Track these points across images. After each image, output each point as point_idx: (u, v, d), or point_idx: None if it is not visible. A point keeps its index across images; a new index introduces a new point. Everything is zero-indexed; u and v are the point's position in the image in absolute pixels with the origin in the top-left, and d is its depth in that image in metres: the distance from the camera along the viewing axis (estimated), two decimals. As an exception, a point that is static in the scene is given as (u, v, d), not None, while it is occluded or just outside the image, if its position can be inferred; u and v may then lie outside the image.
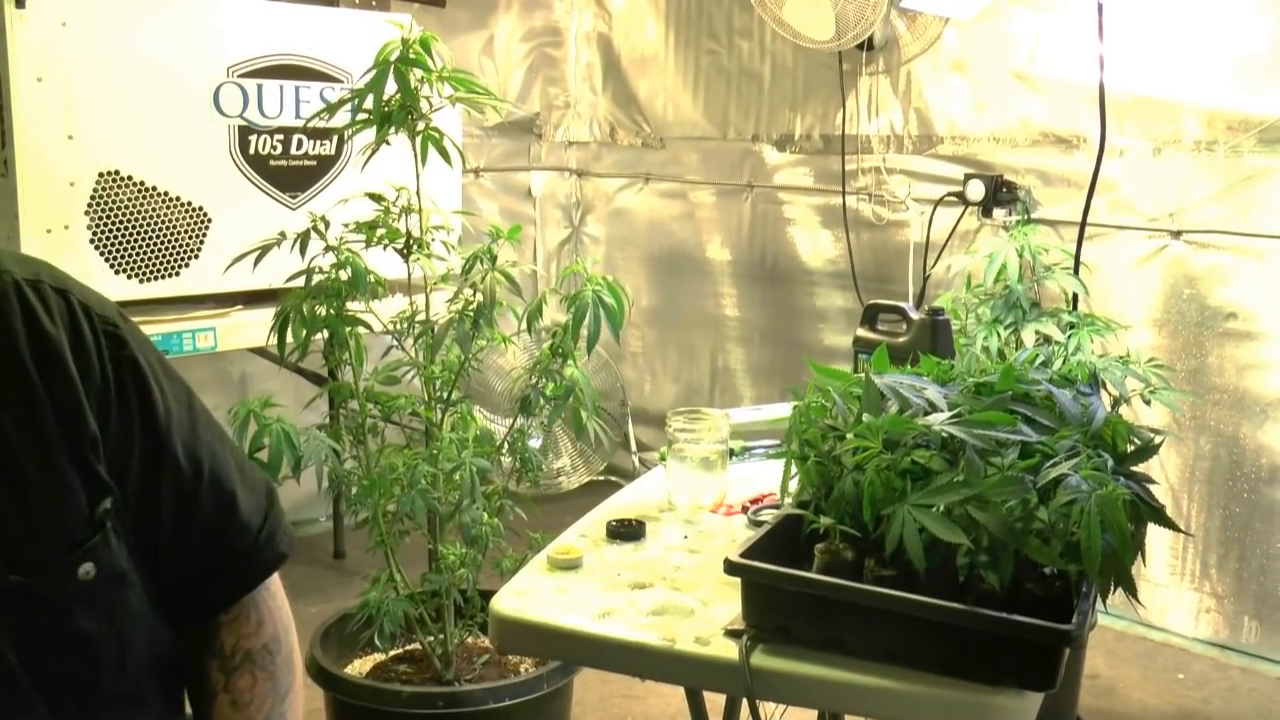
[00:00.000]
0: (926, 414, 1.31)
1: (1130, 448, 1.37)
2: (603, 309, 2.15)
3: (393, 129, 2.19)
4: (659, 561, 1.57)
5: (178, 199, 2.84)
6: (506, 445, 2.37)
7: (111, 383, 0.98)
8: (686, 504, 1.78)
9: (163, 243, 2.83)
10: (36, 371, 0.93)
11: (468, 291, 2.21)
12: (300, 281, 2.20)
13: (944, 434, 1.26)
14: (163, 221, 2.82)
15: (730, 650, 1.29)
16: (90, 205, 2.70)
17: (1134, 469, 1.32)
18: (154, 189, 2.80)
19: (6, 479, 0.90)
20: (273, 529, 1.13)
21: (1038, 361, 1.61)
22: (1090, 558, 1.14)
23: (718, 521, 1.73)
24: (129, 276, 2.78)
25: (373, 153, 2.19)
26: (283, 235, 2.21)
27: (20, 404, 0.92)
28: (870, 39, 3.54)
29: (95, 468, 0.96)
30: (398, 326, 2.28)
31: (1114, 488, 1.17)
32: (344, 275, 2.17)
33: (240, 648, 1.12)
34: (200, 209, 2.88)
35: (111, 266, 2.74)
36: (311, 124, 2.79)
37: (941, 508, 1.20)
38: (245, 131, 2.95)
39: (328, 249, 2.20)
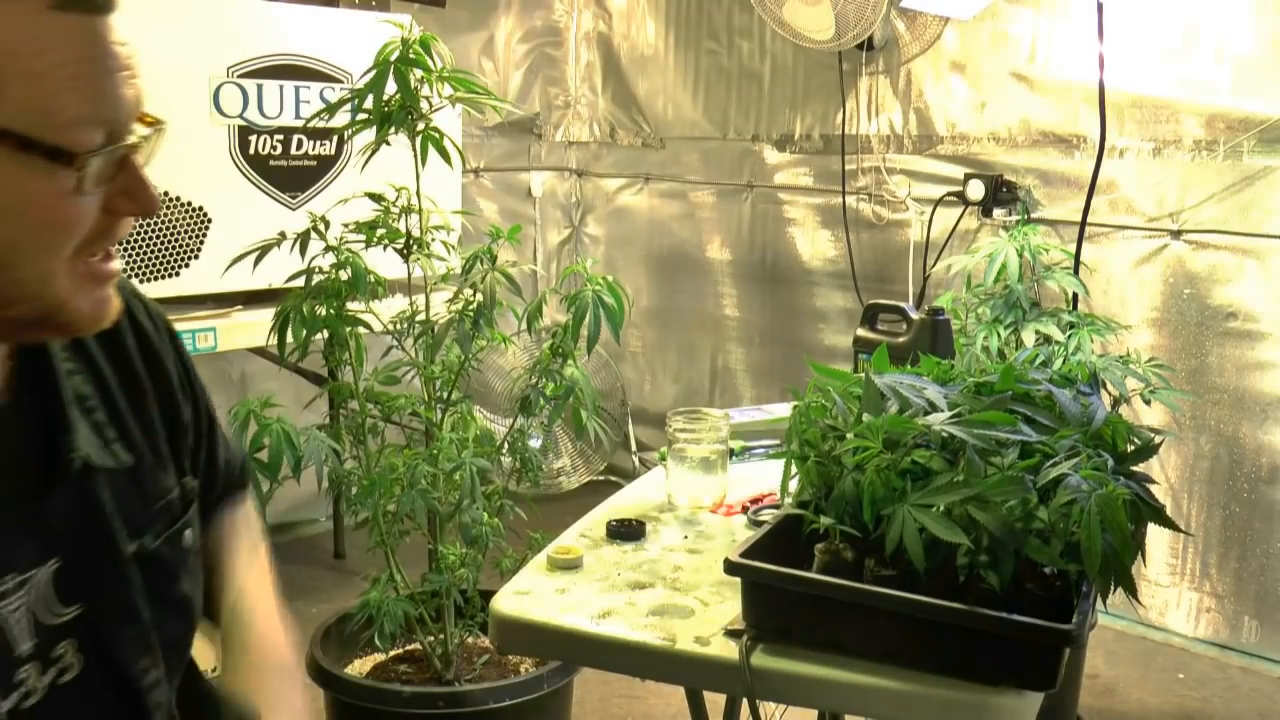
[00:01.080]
0: (926, 414, 1.31)
1: (1130, 447, 1.37)
2: (603, 309, 2.15)
3: (393, 129, 2.19)
4: (659, 561, 1.57)
5: (178, 199, 2.84)
6: (506, 445, 2.37)
7: (180, 370, 1.08)
8: (686, 504, 1.78)
9: (163, 243, 2.83)
10: (143, 365, 1.02)
11: (468, 291, 2.21)
12: (300, 282, 2.20)
13: (944, 434, 1.26)
14: (162, 222, 2.82)
15: (730, 650, 1.29)
16: (90, 205, 2.70)
17: (1134, 469, 1.32)
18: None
19: (135, 454, 0.98)
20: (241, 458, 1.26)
21: (1038, 361, 1.61)
22: (1090, 557, 1.14)
23: (718, 521, 1.73)
24: (129, 276, 2.77)
25: (373, 153, 2.19)
26: (283, 235, 2.21)
27: (135, 396, 1.01)
28: (870, 39, 3.54)
29: (183, 449, 1.06)
30: (398, 326, 2.28)
31: (1114, 487, 1.17)
32: (344, 275, 2.17)
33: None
34: (200, 209, 2.88)
35: (111, 267, 2.74)
36: (311, 124, 2.79)
37: (941, 507, 1.20)
38: (245, 131, 2.94)
39: (328, 249, 2.20)
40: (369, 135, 2.21)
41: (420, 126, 2.20)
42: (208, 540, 1.18)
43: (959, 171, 3.47)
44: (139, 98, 0.91)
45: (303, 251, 2.20)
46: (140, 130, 0.92)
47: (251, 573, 1.21)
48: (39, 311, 0.85)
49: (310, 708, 1.16)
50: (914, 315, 2.09)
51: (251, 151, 2.97)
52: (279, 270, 2.20)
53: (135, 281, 2.77)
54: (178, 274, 2.85)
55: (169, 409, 1.05)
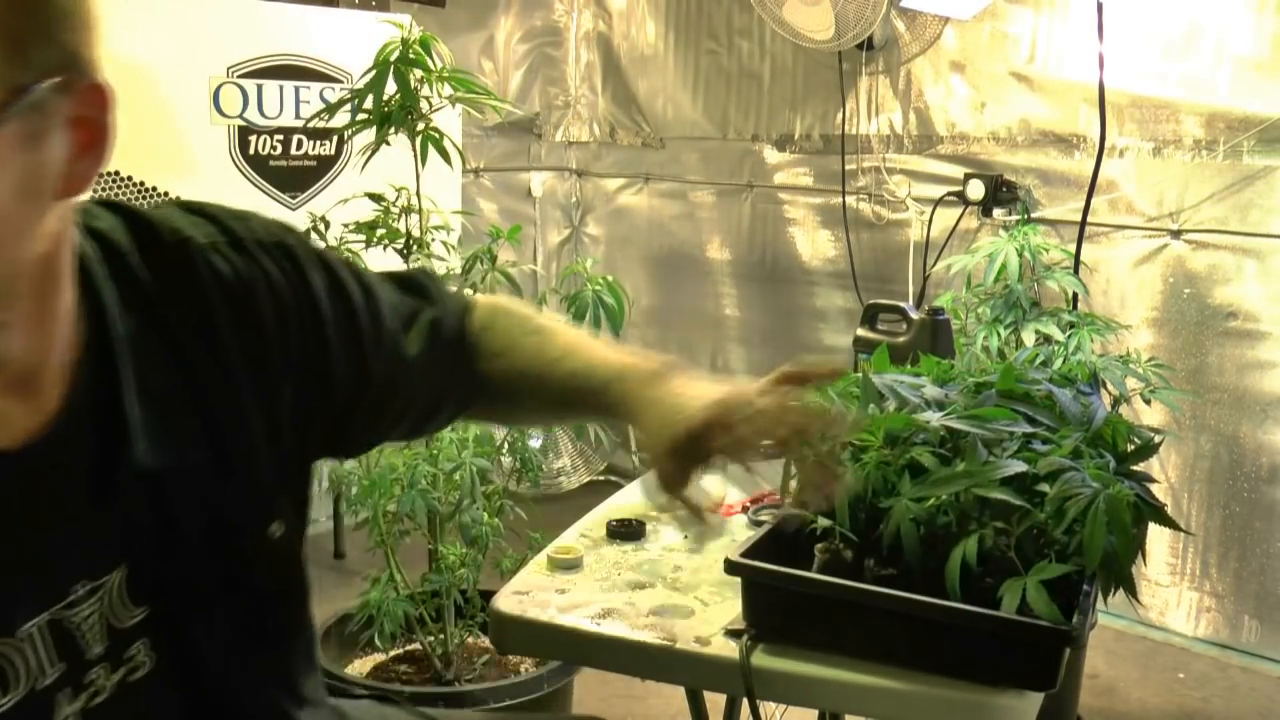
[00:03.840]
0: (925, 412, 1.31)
1: (1130, 447, 1.37)
2: (603, 309, 2.15)
3: (392, 129, 2.19)
4: (659, 561, 1.57)
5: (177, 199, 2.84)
6: (506, 445, 2.37)
7: (308, 312, 1.00)
8: (686, 504, 1.78)
9: (163, 243, 2.83)
10: (236, 343, 0.95)
11: (468, 291, 2.21)
12: (300, 282, 2.20)
13: (943, 431, 1.26)
14: (163, 222, 2.82)
15: (730, 650, 1.29)
16: (90, 205, 2.70)
17: (1134, 468, 1.32)
18: (154, 189, 2.80)
19: (210, 449, 0.94)
20: (449, 296, 1.18)
21: (1038, 361, 1.62)
22: (1091, 555, 1.14)
23: (718, 521, 1.73)
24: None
25: (372, 153, 2.19)
26: (283, 235, 2.20)
27: (217, 373, 0.94)
28: (870, 39, 3.54)
29: (283, 432, 0.99)
30: (398, 327, 2.28)
31: (1120, 488, 1.17)
32: (344, 275, 2.16)
33: (465, 333, 1.17)
34: (200, 209, 2.88)
35: (111, 267, 2.74)
36: (311, 124, 2.79)
37: (943, 497, 1.20)
38: (245, 132, 2.95)
39: (328, 249, 2.20)
40: (369, 135, 2.21)
41: (420, 126, 2.20)
42: (492, 381, 1.15)
43: (959, 171, 3.47)
44: None
45: (303, 251, 2.19)
46: None
47: (545, 348, 1.15)
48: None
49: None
50: (914, 315, 2.09)
51: (251, 151, 2.97)
52: (279, 270, 2.20)
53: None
54: (178, 274, 2.85)
55: (269, 384, 0.98)
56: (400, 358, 1.09)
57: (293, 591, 1.04)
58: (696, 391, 1.06)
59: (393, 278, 1.15)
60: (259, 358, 0.97)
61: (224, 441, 0.95)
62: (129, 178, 2.75)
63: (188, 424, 0.92)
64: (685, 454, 1.03)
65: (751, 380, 1.07)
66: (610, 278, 2.21)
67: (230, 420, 0.95)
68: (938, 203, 3.54)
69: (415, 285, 1.16)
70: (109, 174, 2.71)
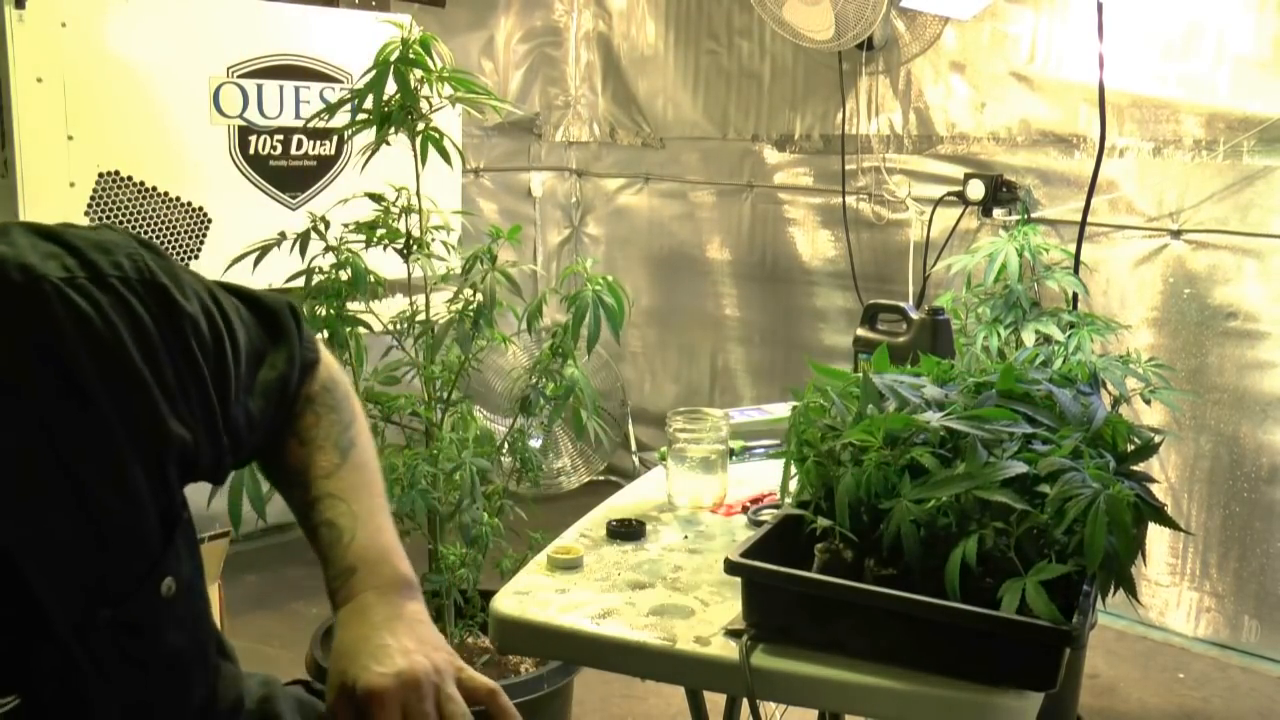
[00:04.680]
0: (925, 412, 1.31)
1: (1130, 447, 1.37)
2: (603, 309, 2.15)
3: (392, 129, 2.19)
4: (659, 561, 1.57)
5: (177, 199, 2.84)
6: (506, 445, 2.37)
7: (180, 358, 0.92)
8: (686, 504, 1.78)
9: (162, 243, 2.83)
10: (104, 389, 0.85)
11: (468, 291, 2.22)
12: (300, 282, 2.20)
13: (943, 431, 1.26)
14: (162, 222, 2.83)
15: (730, 650, 1.29)
16: (90, 206, 2.70)
17: (1134, 468, 1.32)
18: (154, 189, 2.80)
19: (84, 514, 0.84)
20: (302, 346, 1.14)
21: (1038, 361, 1.61)
22: (1092, 555, 1.14)
23: (718, 521, 1.73)
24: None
25: (372, 153, 2.19)
26: (282, 235, 2.21)
27: (89, 431, 0.84)
28: (870, 39, 3.54)
29: (167, 471, 0.90)
30: (398, 326, 2.28)
31: (1120, 488, 1.17)
32: (344, 275, 2.17)
33: (299, 395, 1.13)
34: (200, 209, 2.88)
35: (111, 267, 2.74)
36: (311, 124, 2.79)
37: (944, 498, 1.20)
38: (245, 132, 2.95)
39: (328, 249, 2.20)
40: (369, 135, 2.21)
41: (420, 126, 2.20)
42: (285, 459, 1.11)
43: (959, 171, 3.47)
44: None
45: (303, 252, 2.20)
46: None
47: (335, 478, 1.11)
48: None
49: (426, 620, 1.09)
50: (914, 315, 2.09)
51: (251, 152, 2.97)
52: (279, 270, 2.20)
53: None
54: (178, 274, 2.85)
55: (150, 433, 0.88)
56: (248, 409, 1.04)
57: (192, 652, 0.97)
58: (401, 644, 1.01)
59: (254, 304, 1.08)
60: (133, 403, 0.87)
61: (92, 506, 0.84)
62: (129, 178, 2.75)
63: (43, 490, 0.82)
64: (353, 704, 0.99)
65: (453, 656, 1.04)
66: (610, 278, 2.21)
67: (101, 478, 0.85)
68: (938, 203, 3.54)
69: (272, 321, 1.10)
70: (109, 173, 2.72)
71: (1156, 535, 3.21)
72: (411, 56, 2.14)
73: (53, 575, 0.82)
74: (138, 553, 0.89)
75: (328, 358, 1.19)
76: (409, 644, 1.02)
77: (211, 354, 0.97)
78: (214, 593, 1.16)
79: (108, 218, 2.73)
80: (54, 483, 0.82)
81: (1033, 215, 3.33)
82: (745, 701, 1.36)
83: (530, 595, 1.45)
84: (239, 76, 2.92)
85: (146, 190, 2.79)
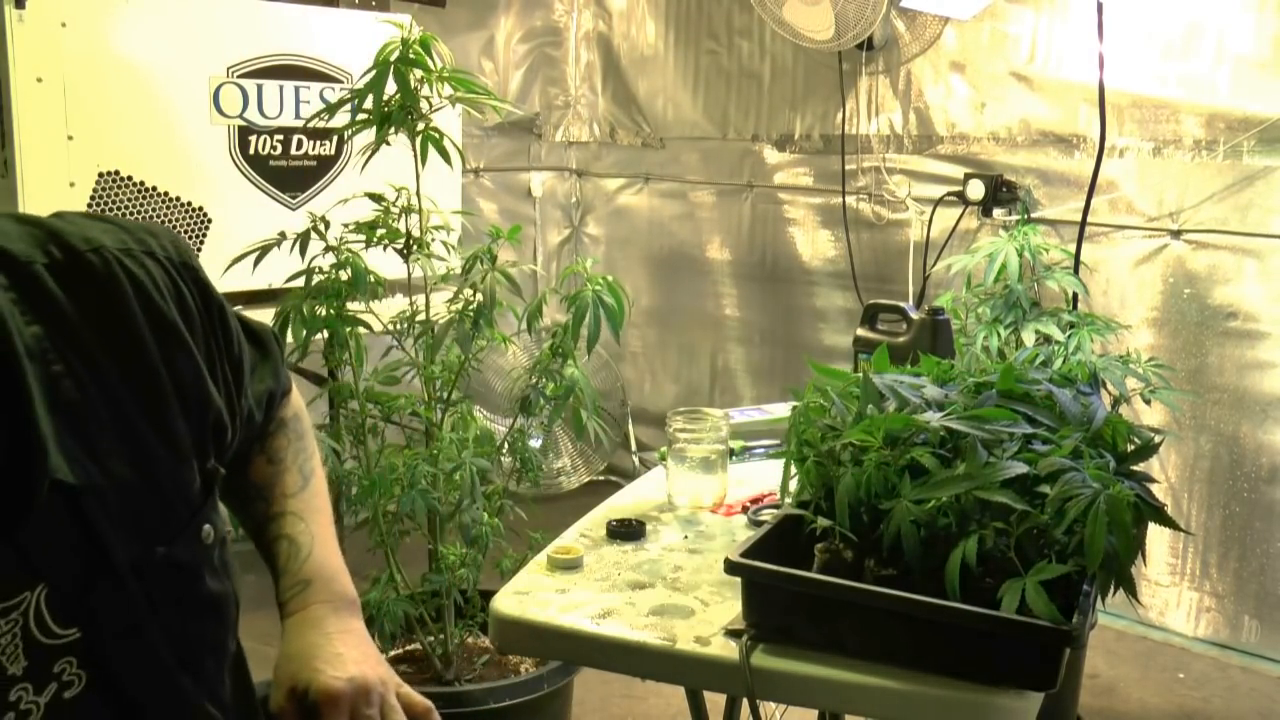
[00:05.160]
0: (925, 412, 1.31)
1: (1130, 447, 1.37)
2: (603, 309, 2.15)
3: (392, 129, 2.19)
4: (659, 561, 1.57)
5: (177, 199, 2.84)
6: (506, 445, 2.37)
7: (211, 336, 1.01)
8: (686, 504, 1.78)
9: (163, 243, 2.83)
10: (156, 348, 0.93)
11: (468, 291, 2.21)
12: (300, 282, 2.20)
13: (943, 431, 1.26)
14: (162, 222, 2.82)
15: (730, 650, 1.29)
16: (90, 206, 2.70)
17: (1134, 468, 1.32)
18: (154, 189, 2.80)
19: (139, 459, 0.91)
20: (282, 370, 1.20)
21: (1038, 361, 1.61)
22: (1092, 555, 1.14)
23: (718, 521, 1.73)
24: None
25: (372, 153, 2.19)
26: (282, 235, 2.21)
27: (144, 384, 0.92)
28: (870, 39, 3.54)
29: (206, 431, 0.98)
30: (398, 326, 2.28)
31: (1120, 488, 1.17)
32: (344, 275, 2.17)
33: (275, 417, 1.19)
34: (200, 209, 2.88)
35: (111, 267, 2.74)
36: (311, 124, 2.79)
37: (944, 498, 1.20)
38: (245, 132, 2.94)
39: (328, 249, 2.20)
40: (369, 135, 2.21)
41: (420, 126, 2.20)
42: (249, 474, 1.17)
43: (959, 171, 3.47)
44: None
45: (303, 252, 2.20)
46: None
47: (299, 498, 1.18)
48: None
49: (370, 639, 1.15)
50: (914, 315, 2.09)
51: (251, 151, 2.97)
52: (279, 270, 2.20)
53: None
54: (178, 274, 2.85)
55: (196, 396, 0.96)
56: (250, 406, 1.11)
57: (226, 599, 1.02)
58: (352, 654, 1.10)
59: (242, 323, 1.14)
60: (183, 362, 0.95)
61: (147, 453, 0.92)
62: (129, 177, 2.75)
63: (107, 436, 0.89)
64: (302, 706, 1.06)
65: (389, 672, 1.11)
66: (610, 278, 2.21)
67: (156, 429, 0.92)
68: (938, 203, 3.54)
69: (259, 341, 1.16)
70: (109, 173, 2.71)
71: (1156, 535, 3.21)
72: (411, 56, 2.14)
73: (114, 515, 0.89)
74: (183, 499, 0.96)
75: (296, 390, 1.26)
76: (357, 655, 1.10)
77: (234, 342, 1.05)
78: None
79: (108, 218, 2.73)
80: (110, 427, 0.89)
81: (1033, 215, 3.33)
82: (745, 701, 1.36)
83: (530, 595, 1.45)
84: (239, 76, 2.92)
85: (146, 190, 2.79)
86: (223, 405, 1.00)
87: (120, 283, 0.92)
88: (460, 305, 2.22)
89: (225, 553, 1.03)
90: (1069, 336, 2.75)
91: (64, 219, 0.94)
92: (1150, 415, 3.07)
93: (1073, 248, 3.13)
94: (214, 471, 1.00)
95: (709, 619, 1.38)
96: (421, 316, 2.27)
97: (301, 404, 1.25)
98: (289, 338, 2.15)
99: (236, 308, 1.11)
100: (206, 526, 0.98)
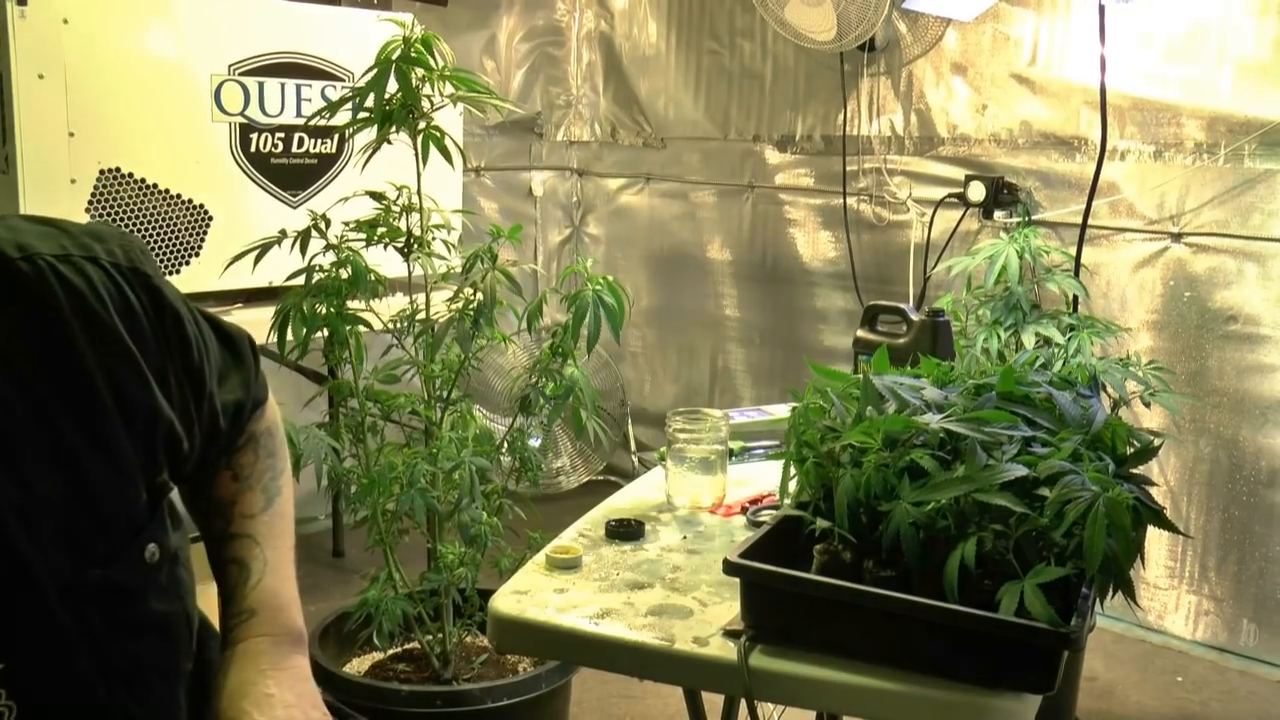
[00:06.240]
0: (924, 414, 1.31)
1: (1130, 450, 1.37)
2: (603, 309, 2.15)
3: (394, 128, 2.19)
4: (658, 561, 1.57)
5: (178, 197, 2.84)
6: (506, 445, 2.37)
7: (163, 344, 0.96)
8: (686, 504, 1.78)
9: (163, 240, 2.83)
10: (95, 359, 0.89)
11: (468, 290, 2.21)
12: (300, 280, 2.20)
13: (942, 433, 1.26)
14: (163, 219, 2.82)
15: (729, 650, 1.29)
16: (91, 203, 2.70)
17: (1133, 471, 1.32)
18: (155, 186, 2.80)
19: (72, 477, 0.87)
20: (256, 380, 1.17)
21: (1038, 363, 1.61)
22: (1091, 558, 1.14)
23: (717, 522, 1.73)
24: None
25: (373, 151, 2.19)
26: (283, 233, 2.21)
27: (79, 398, 0.88)
28: (872, 40, 3.54)
29: (155, 444, 0.94)
30: (398, 325, 2.28)
31: (1120, 491, 1.17)
32: (344, 274, 2.17)
33: (245, 430, 1.15)
34: (201, 207, 2.88)
35: (112, 264, 2.74)
36: (313, 122, 2.79)
37: (943, 500, 1.20)
38: (246, 129, 2.94)
39: (328, 247, 2.20)
40: (370, 134, 2.21)
41: (421, 125, 2.20)
42: (212, 488, 1.13)
43: (960, 173, 3.47)
44: None
45: (303, 250, 2.20)
46: None
47: (258, 520, 1.14)
48: None
49: (309, 677, 1.12)
50: (914, 317, 2.09)
51: (252, 149, 2.97)
52: (279, 268, 2.20)
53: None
54: (178, 272, 2.85)
55: (143, 408, 0.93)
56: (214, 417, 1.07)
57: (173, 619, 0.99)
58: (283, 696, 1.05)
59: (216, 328, 1.11)
60: (126, 374, 0.91)
61: (81, 470, 0.87)
62: (129, 175, 2.75)
63: (34, 453, 0.85)
64: None
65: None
66: (611, 277, 2.21)
67: (92, 445, 0.88)
68: (938, 204, 3.54)
69: (234, 348, 1.13)
70: (110, 170, 2.71)
71: (1155, 538, 3.21)
72: (413, 55, 2.14)
73: (39, 535, 0.85)
74: (125, 517, 0.92)
75: (272, 401, 1.22)
76: (290, 698, 1.06)
77: (192, 350, 1.01)
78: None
79: (109, 215, 2.73)
80: (39, 444, 0.85)
81: (1033, 217, 3.33)
82: (743, 702, 1.36)
83: (529, 595, 1.45)
84: (240, 74, 2.92)
85: (148, 187, 2.79)
86: (175, 417, 0.96)
87: (53, 292, 0.88)
88: (460, 304, 2.22)
89: (177, 570, 0.99)
90: (1069, 339, 2.75)
91: (6, 224, 0.91)
92: (1150, 418, 3.07)
93: (1073, 250, 3.13)
94: (164, 486, 0.96)
95: (707, 619, 1.38)
96: (422, 315, 2.27)
97: (277, 419, 1.21)
98: (289, 335, 2.15)
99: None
100: (152, 546, 0.94)
